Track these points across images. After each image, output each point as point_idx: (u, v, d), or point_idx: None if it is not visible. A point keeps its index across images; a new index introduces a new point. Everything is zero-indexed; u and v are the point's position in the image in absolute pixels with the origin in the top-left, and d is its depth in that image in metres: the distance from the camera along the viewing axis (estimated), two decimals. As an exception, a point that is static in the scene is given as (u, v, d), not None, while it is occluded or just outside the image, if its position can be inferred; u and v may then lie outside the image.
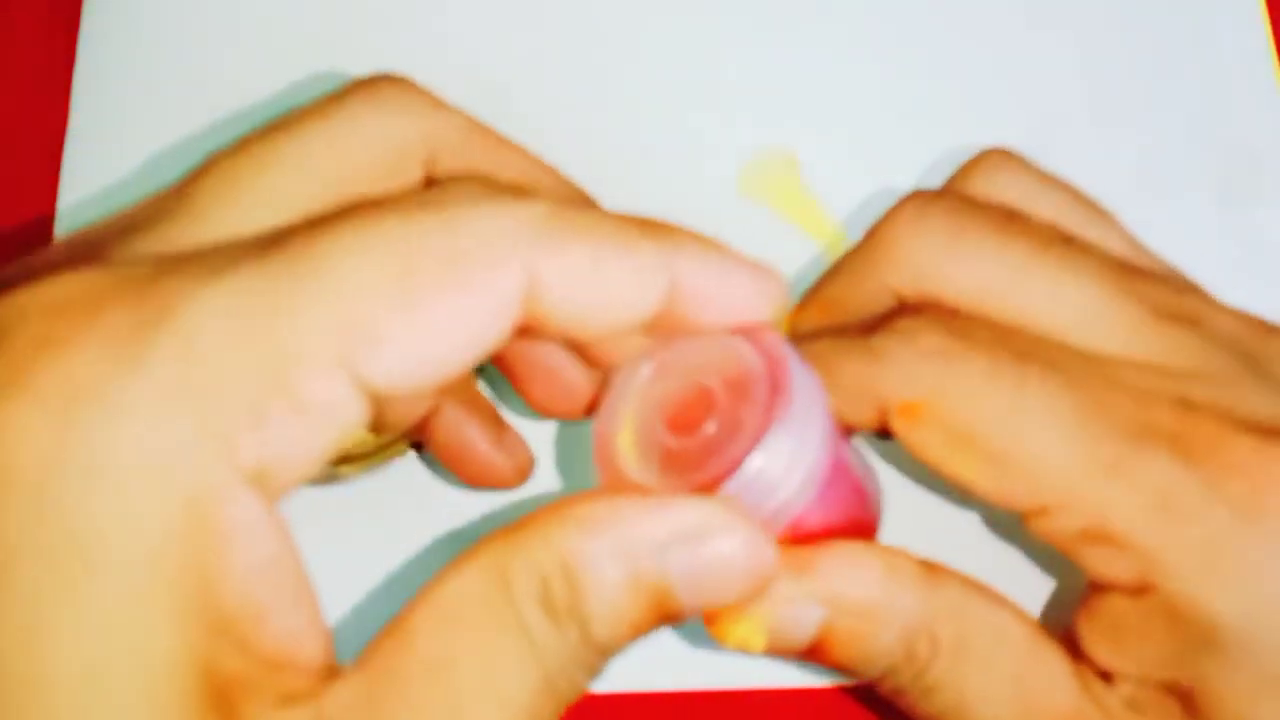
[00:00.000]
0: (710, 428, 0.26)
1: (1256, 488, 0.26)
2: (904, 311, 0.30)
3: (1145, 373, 0.28)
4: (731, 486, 0.25)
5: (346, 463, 0.33)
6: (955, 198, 0.31)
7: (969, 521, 0.34)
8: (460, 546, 0.24)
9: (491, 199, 0.24)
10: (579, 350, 0.30)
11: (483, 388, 0.35)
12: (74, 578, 0.20)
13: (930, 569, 0.28)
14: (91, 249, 0.24)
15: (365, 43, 0.40)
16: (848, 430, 0.30)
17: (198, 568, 0.21)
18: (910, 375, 0.28)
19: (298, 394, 0.22)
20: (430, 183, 0.26)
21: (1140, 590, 0.27)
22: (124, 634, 0.21)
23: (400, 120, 0.26)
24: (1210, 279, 0.31)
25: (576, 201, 0.29)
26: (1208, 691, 0.27)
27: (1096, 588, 0.28)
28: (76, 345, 0.21)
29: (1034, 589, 0.33)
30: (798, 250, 0.37)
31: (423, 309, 0.22)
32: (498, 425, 0.32)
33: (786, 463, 0.25)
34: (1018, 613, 0.28)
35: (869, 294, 0.31)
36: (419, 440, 0.32)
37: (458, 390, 0.32)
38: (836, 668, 0.28)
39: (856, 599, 0.27)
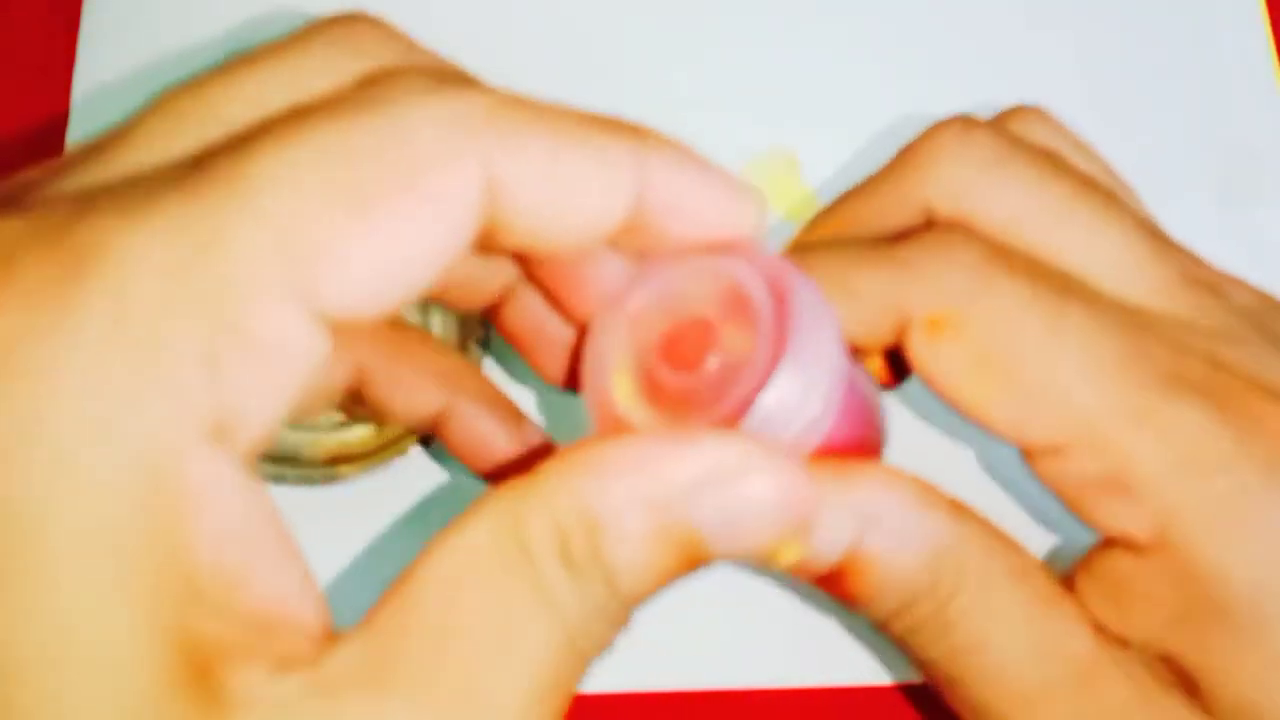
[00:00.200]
0: (713, 362, 0.24)
1: None
2: (936, 227, 0.28)
3: (1177, 328, 0.27)
4: (746, 426, 0.23)
5: (346, 463, 0.33)
6: (1001, 128, 0.30)
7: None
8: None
9: (436, 90, 0.22)
10: (552, 286, 0.27)
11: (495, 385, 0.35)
12: (22, 559, 0.19)
13: (956, 502, 0.27)
14: (14, 192, 0.22)
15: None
16: (856, 353, 0.28)
17: (160, 535, 0.19)
18: (941, 287, 0.27)
19: (249, 332, 0.20)
20: (367, 82, 0.23)
21: (1150, 548, 0.26)
22: (82, 614, 0.19)
23: (367, 60, 0.23)
24: (1210, 279, 0.31)
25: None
26: (1211, 669, 0.26)
27: (1101, 545, 0.27)
28: None
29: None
30: (798, 250, 0.37)
31: (374, 220, 0.20)
32: (514, 417, 0.31)
33: (801, 393, 0.23)
34: (1037, 559, 0.27)
35: (898, 209, 0.30)
36: (430, 436, 0.32)
37: (469, 384, 0.30)
38: (852, 598, 0.27)
39: (892, 518, 0.26)
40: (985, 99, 0.39)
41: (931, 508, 0.26)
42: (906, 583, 0.26)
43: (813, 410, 0.24)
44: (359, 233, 0.20)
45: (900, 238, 0.28)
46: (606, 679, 0.32)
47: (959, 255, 0.27)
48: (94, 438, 0.19)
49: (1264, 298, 0.30)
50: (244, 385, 0.20)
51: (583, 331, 0.26)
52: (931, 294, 0.27)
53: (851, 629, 0.33)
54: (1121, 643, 0.27)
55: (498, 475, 0.31)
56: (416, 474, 0.35)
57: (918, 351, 0.27)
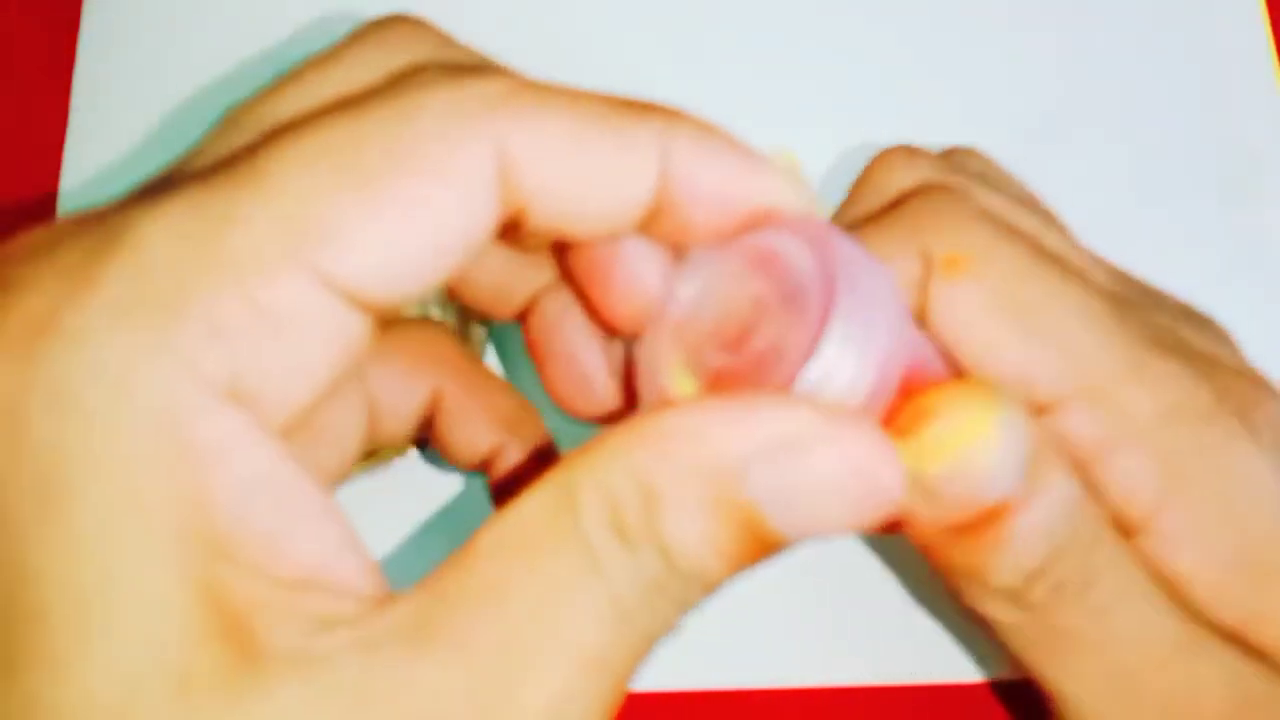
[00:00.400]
0: (761, 339, 0.23)
1: (1247, 404, 0.27)
2: (929, 188, 0.29)
3: (1144, 309, 0.29)
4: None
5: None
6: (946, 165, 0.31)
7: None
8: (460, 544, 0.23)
9: (451, 78, 0.22)
10: (586, 281, 0.25)
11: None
12: (56, 512, 0.20)
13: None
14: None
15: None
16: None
17: (181, 491, 0.20)
18: (960, 230, 0.27)
19: (258, 300, 0.20)
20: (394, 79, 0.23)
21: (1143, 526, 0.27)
22: (112, 566, 0.20)
23: (401, 58, 0.23)
24: (1210, 279, 0.31)
25: None
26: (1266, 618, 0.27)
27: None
28: (30, 284, 0.21)
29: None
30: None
31: (379, 198, 0.21)
32: (504, 409, 0.30)
33: (856, 360, 0.21)
34: None
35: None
36: (425, 439, 0.32)
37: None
38: (977, 560, 0.25)
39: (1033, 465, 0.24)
40: (985, 99, 0.39)
41: (1059, 454, 0.25)
42: (1055, 532, 0.25)
43: (869, 378, 0.22)
44: (362, 212, 0.21)
45: (894, 204, 0.28)
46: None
47: (975, 201, 0.28)
48: (111, 395, 0.20)
49: (1187, 307, 0.31)
50: (258, 350, 0.20)
51: (618, 337, 0.26)
52: (950, 236, 0.27)
53: (852, 629, 0.33)
54: None
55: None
56: (416, 473, 0.34)
57: (935, 292, 0.27)
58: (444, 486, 0.35)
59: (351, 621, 0.20)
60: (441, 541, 0.34)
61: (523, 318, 0.27)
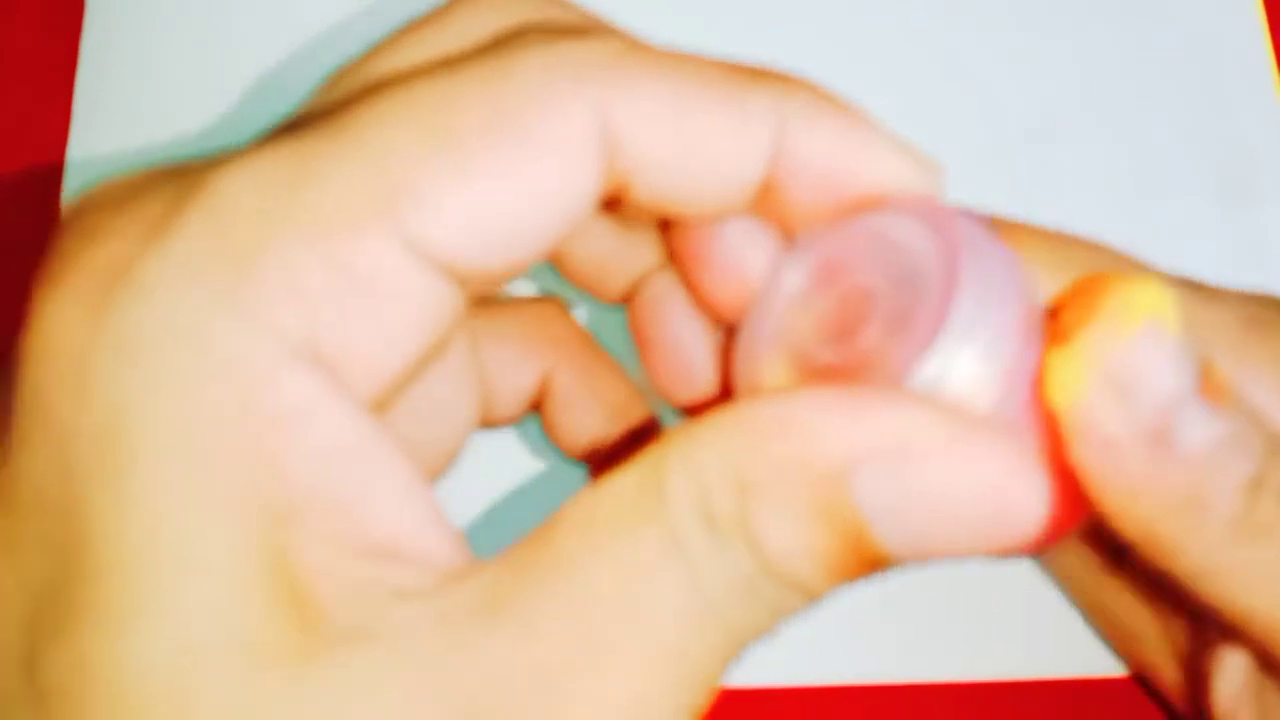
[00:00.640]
0: (873, 332, 0.21)
1: None
2: None
3: None
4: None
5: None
6: None
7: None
8: (482, 539, 0.22)
9: (553, 39, 0.20)
10: (691, 262, 0.24)
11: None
12: (119, 465, 0.19)
13: None
14: None
15: (369, 33, 0.39)
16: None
17: (252, 452, 0.19)
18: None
19: (341, 260, 0.19)
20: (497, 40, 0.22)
21: None
22: (176, 527, 0.18)
23: (507, 19, 0.22)
24: (1210, 279, 0.31)
25: None
26: None
27: None
28: (109, 232, 0.20)
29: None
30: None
31: (473, 162, 0.20)
32: (616, 398, 0.28)
33: (977, 367, 0.19)
34: None
35: None
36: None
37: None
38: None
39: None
40: (985, 99, 0.39)
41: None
42: (1251, 433, 0.21)
43: (993, 380, 0.19)
44: (455, 174, 0.20)
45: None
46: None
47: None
48: (183, 350, 0.19)
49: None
50: (339, 314, 0.19)
51: (728, 330, 0.24)
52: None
53: (852, 628, 0.33)
54: None
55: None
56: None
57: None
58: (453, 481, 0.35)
59: (428, 594, 0.19)
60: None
61: (627, 300, 0.26)
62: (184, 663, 0.18)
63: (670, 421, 0.28)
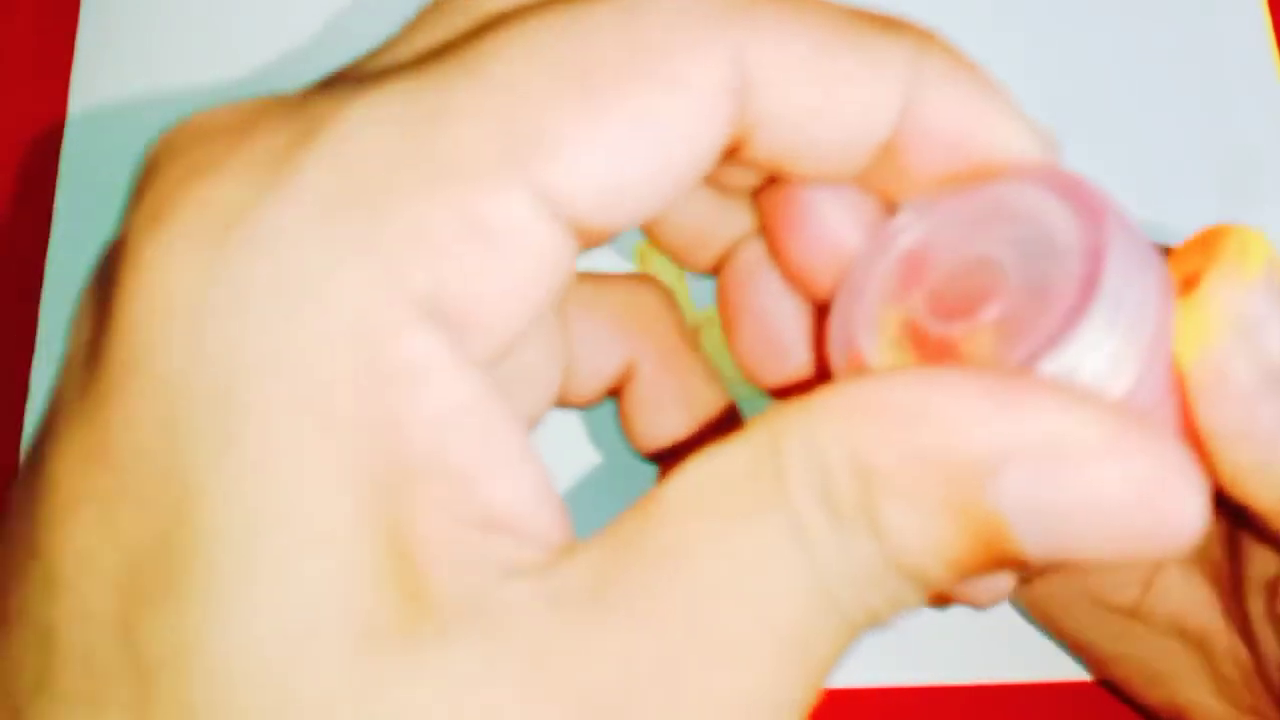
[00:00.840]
0: (992, 311, 0.19)
1: None
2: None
3: None
4: None
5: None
6: None
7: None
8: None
9: None
10: (786, 233, 0.22)
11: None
12: (232, 424, 0.17)
13: None
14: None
15: (366, 32, 0.39)
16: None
17: (371, 413, 0.17)
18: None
19: (470, 209, 0.18)
20: None
21: None
22: (289, 492, 0.17)
23: None
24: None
25: None
26: None
27: None
28: (225, 170, 0.18)
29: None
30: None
31: (608, 108, 0.18)
32: (700, 398, 0.26)
33: (1110, 357, 0.18)
34: None
35: None
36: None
37: (658, 348, 0.26)
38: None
39: None
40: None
41: None
42: None
43: (1132, 375, 0.18)
44: (590, 121, 0.18)
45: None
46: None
47: None
48: (304, 303, 0.18)
49: None
50: (466, 266, 0.18)
51: (819, 309, 0.23)
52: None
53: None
54: None
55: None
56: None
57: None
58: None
59: (536, 571, 0.18)
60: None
61: (716, 270, 0.24)
62: (293, 641, 0.17)
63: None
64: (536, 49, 0.18)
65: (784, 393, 0.24)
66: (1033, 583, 0.29)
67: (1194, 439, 0.20)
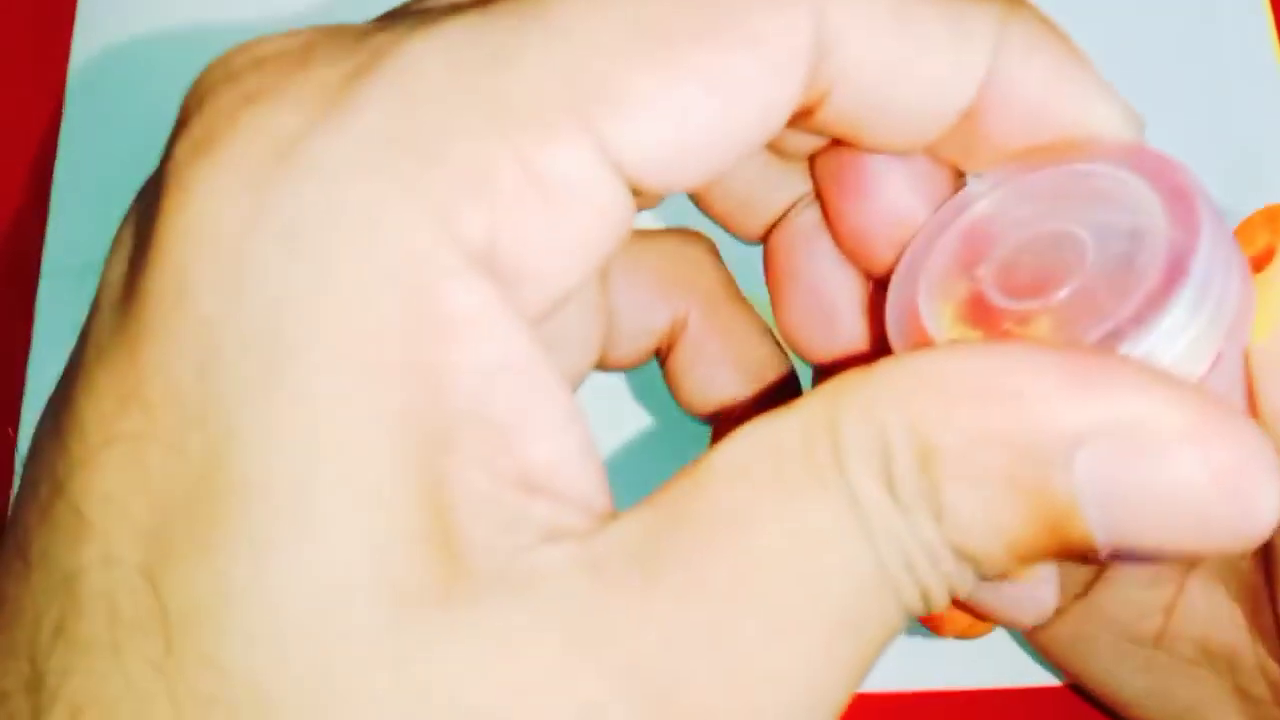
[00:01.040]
0: (1066, 290, 0.18)
1: None
2: None
3: None
4: None
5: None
6: None
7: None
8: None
9: None
10: (846, 206, 0.21)
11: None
12: (273, 369, 0.16)
13: None
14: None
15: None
16: None
17: (416, 362, 0.17)
18: None
19: (531, 158, 0.17)
20: None
21: None
22: (331, 442, 0.16)
23: None
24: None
25: None
26: None
27: None
28: (278, 99, 0.17)
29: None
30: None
31: (682, 63, 0.17)
32: (753, 356, 0.25)
33: (1189, 343, 0.17)
34: None
35: None
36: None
37: (707, 306, 0.25)
38: None
39: None
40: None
41: None
42: None
43: (1200, 368, 0.17)
44: (662, 75, 0.17)
45: None
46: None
47: None
48: (354, 242, 0.17)
49: None
50: (522, 216, 0.17)
51: (877, 281, 0.22)
52: None
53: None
54: None
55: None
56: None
57: None
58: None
59: (578, 536, 0.17)
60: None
61: (765, 239, 0.23)
62: (329, 600, 0.16)
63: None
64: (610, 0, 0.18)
65: (830, 369, 0.23)
66: (1053, 624, 0.28)
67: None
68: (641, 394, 0.35)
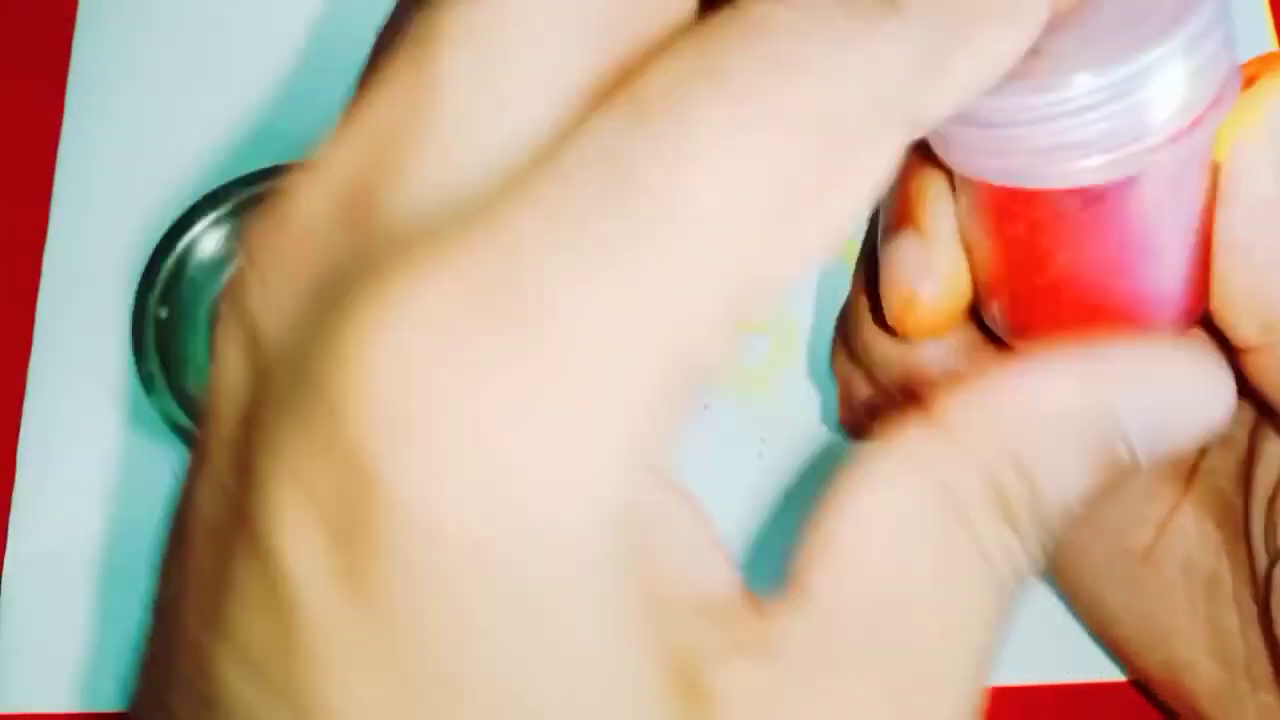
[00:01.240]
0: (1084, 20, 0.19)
1: None
2: None
3: None
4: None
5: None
6: None
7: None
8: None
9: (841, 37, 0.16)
10: None
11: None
12: (524, 583, 0.16)
13: None
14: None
15: (364, 31, 0.39)
16: None
17: (631, 549, 0.16)
18: None
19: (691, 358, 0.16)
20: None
21: None
22: (581, 643, 0.16)
23: None
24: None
25: None
26: None
27: None
28: (466, 392, 0.16)
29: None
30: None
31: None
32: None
33: (1185, 78, 0.19)
34: None
35: None
36: None
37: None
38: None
39: None
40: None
41: None
42: None
43: (1190, 111, 0.19)
44: None
45: None
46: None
47: None
48: (541, 459, 0.16)
49: None
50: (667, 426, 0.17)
51: None
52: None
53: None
54: None
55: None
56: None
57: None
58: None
59: (764, 645, 0.18)
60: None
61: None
62: None
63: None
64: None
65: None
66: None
67: (1205, 260, 0.21)
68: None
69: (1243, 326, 0.21)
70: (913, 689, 0.18)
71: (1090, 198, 0.20)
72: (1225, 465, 0.27)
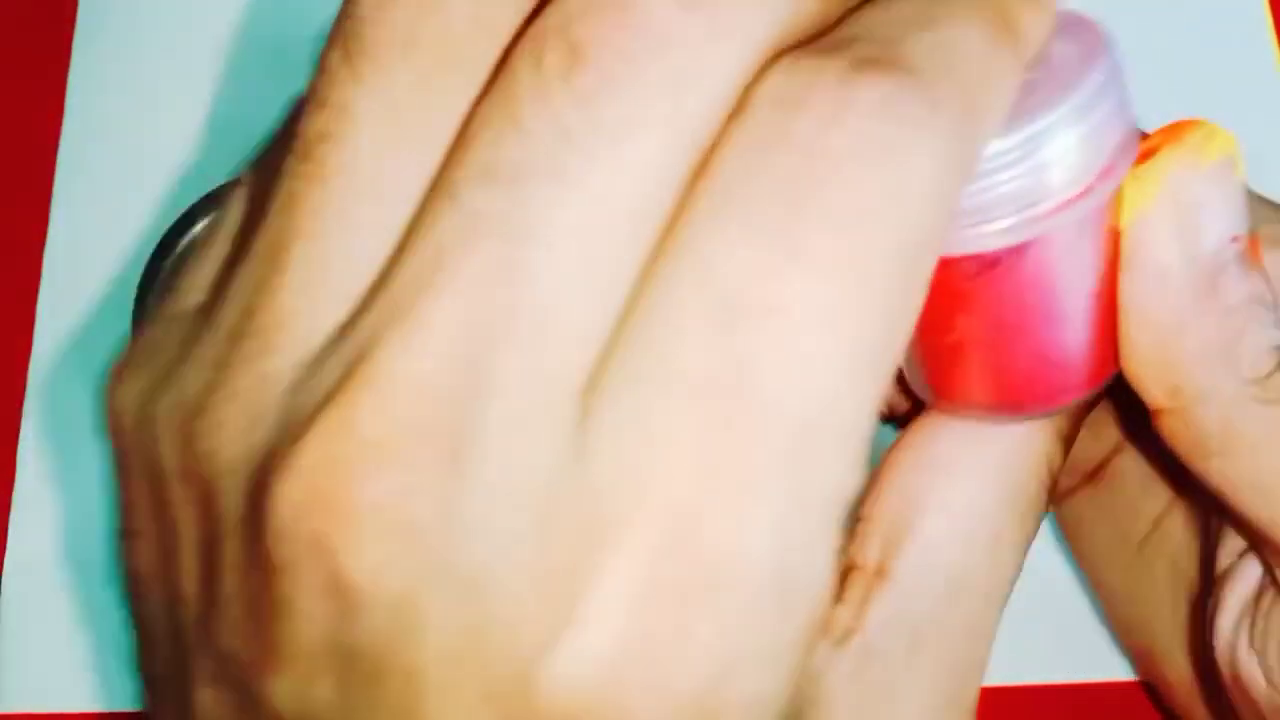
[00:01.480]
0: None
1: None
2: None
3: None
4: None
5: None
6: None
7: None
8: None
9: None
10: None
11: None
12: None
13: None
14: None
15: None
16: None
17: None
18: None
19: None
20: None
21: None
22: None
23: None
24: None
25: None
26: None
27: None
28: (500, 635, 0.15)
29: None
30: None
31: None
32: None
33: (1073, 146, 0.19)
34: None
35: None
36: None
37: None
38: None
39: None
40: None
41: None
42: None
43: (1082, 177, 0.19)
44: None
45: None
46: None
47: None
48: None
49: None
50: None
51: None
52: None
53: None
54: None
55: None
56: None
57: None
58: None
59: (847, 627, 0.20)
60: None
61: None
62: None
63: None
64: None
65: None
66: (1066, 501, 0.30)
67: (1110, 317, 0.21)
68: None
69: (1151, 390, 0.22)
70: (963, 663, 0.21)
71: (985, 263, 0.20)
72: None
